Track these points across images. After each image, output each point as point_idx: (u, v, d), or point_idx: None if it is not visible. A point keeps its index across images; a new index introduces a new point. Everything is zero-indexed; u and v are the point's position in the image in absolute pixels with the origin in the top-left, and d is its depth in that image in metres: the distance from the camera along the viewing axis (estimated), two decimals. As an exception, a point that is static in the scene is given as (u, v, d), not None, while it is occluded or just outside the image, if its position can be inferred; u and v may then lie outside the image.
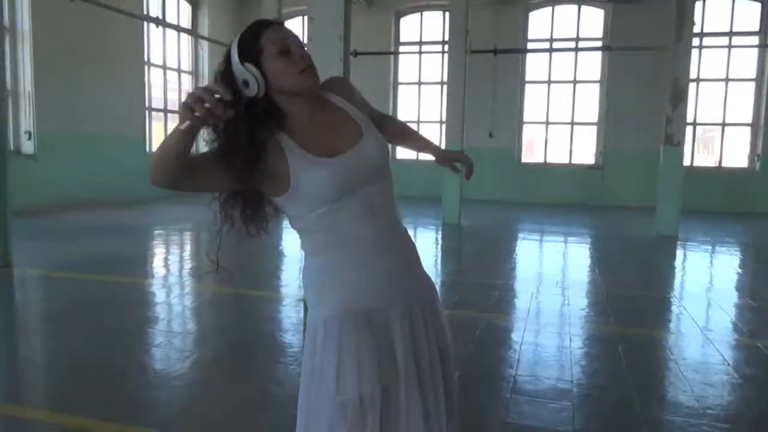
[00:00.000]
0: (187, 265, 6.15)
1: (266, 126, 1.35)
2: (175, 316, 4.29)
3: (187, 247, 7.47)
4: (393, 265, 1.46)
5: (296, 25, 13.42)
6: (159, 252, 6.95)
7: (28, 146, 9.49)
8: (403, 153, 14.60)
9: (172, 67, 13.17)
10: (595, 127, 13.31)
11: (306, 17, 4.34)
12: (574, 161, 13.55)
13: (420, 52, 14.30)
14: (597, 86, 13.20)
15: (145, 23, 11.55)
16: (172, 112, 13.22)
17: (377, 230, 1.43)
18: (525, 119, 13.72)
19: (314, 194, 1.37)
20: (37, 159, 9.46)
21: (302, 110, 1.41)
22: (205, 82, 13.90)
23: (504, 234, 9.15)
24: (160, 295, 4.79)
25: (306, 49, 1.40)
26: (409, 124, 1.81)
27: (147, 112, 12.19)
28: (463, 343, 3.65)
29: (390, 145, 1.58)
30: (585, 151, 13.63)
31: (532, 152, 14.10)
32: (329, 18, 4.19)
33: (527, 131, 13.89)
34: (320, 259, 1.46)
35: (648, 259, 7.27)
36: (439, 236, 8.68)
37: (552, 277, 5.78)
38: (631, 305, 4.78)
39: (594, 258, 7.14)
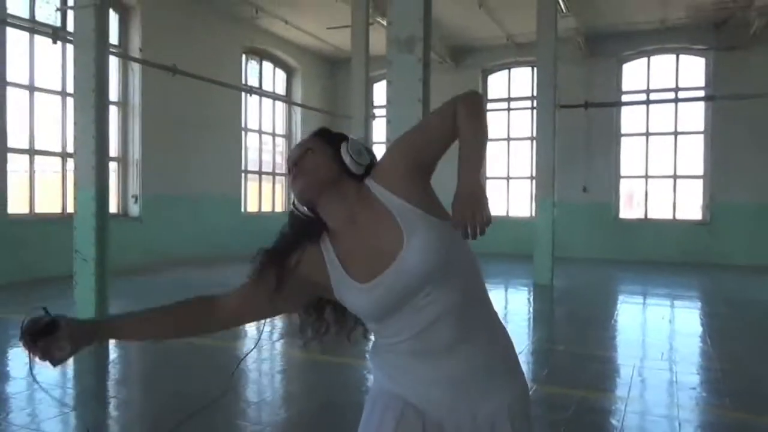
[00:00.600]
0: (278, 326, 6.15)
1: (302, 239, 1.36)
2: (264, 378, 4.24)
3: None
4: (448, 378, 1.30)
5: (381, 88, 13.74)
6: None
7: (134, 209, 10.14)
8: (491, 208, 14.30)
9: (267, 131, 13.81)
10: (700, 180, 12.45)
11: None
12: (678, 216, 12.68)
13: (509, 109, 14.16)
14: (701, 137, 12.41)
15: (243, 92, 12.24)
16: (266, 173, 13.79)
17: (430, 341, 1.28)
18: (622, 173, 13.09)
19: (358, 312, 1.34)
20: (142, 221, 10.06)
21: (336, 215, 1.35)
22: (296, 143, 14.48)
23: (601, 296, 8.57)
24: (249, 359, 4.77)
25: (307, 151, 1.35)
26: (473, 130, 1.34)
27: (243, 174, 12.77)
28: (551, 425, 3.32)
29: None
30: (690, 205, 12.74)
31: (630, 207, 13.37)
32: (407, 81, 4.18)
33: (625, 185, 13.22)
34: (377, 355, 1.40)
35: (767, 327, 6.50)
36: (530, 298, 8.26)
37: (657, 347, 5.26)
38: (752, 385, 4.20)
39: (705, 326, 6.47)
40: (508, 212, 14.16)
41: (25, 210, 8.59)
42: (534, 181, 11.23)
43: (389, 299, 1.26)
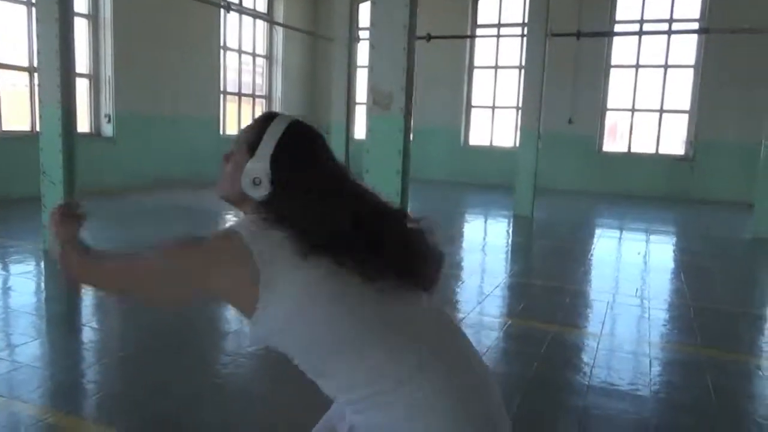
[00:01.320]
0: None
1: None
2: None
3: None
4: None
5: (367, 9, 13.16)
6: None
7: (107, 129, 9.79)
8: (475, 138, 14.19)
9: (247, 51, 13.26)
10: (686, 116, 12.34)
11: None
12: (661, 151, 12.64)
13: (498, 36, 13.70)
14: (690, 71, 12.19)
15: (222, 9, 11.63)
16: (246, 95, 13.36)
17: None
18: (609, 105, 12.91)
19: None
20: (116, 141, 9.74)
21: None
22: (279, 65, 13.96)
23: (580, 229, 8.60)
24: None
25: (230, 156, 1.29)
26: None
27: (221, 95, 12.35)
28: (527, 359, 3.34)
29: None
30: (674, 140, 12.68)
31: (614, 140, 13.28)
32: (393, 3, 3.92)
33: (610, 118, 13.07)
34: None
35: (744, 265, 6.59)
36: (509, 230, 8.27)
37: (631, 283, 5.30)
38: (724, 323, 4.27)
39: (680, 262, 6.55)
40: (491, 142, 14.01)
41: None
42: (519, 111, 11.06)
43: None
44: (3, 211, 7.25)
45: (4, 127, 8.39)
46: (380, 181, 3.95)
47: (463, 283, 5.12)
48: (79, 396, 2.81)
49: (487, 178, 13.13)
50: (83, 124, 9.48)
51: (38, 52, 5.34)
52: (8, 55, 8.50)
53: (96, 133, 9.77)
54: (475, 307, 4.31)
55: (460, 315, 4.09)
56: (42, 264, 5.18)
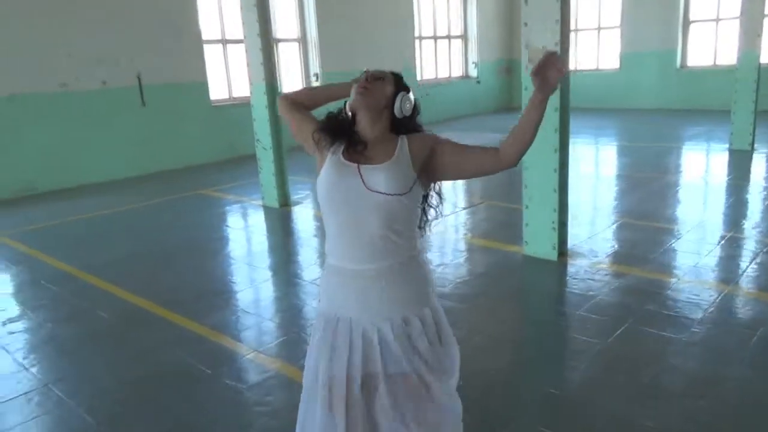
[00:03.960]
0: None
1: (342, 129, 1.75)
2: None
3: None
4: (359, 290, 1.67)
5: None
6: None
7: (316, 87, 10.83)
8: (695, 59, 12.63)
9: (440, -8, 13.33)
10: None
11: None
12: None
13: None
14: None
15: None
16: (441, 37, 13.54)
17: (353, 259, 1.68)
18: None
19: (319, 188, 1.71)
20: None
21: (364, 127, 1.73)
22: (473, 5, 13.77)
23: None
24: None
25: (382, 80, 1.74)
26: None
27: (416, 41, 12.71)
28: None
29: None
30: None
31: None
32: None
33: None
34: (326, 260, 1.78)
35: None
36: (721, 169, 7.42)
37: None
38: None
39: None
40: (714, 61, 12.34)
41: (225, 96, 9.71)
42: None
43: (344, 183, 1.65)
44: (239, 165, 8.63)
45: (234, 94, 9.81)
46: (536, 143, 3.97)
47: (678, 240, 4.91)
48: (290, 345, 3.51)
49: (709, 103, 11.71)
50: (298, 86, 10.63)
51: (244, 36, 6.15)
52: (232, 31, 9.78)
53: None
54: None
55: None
56: (262, 217, 6.18)
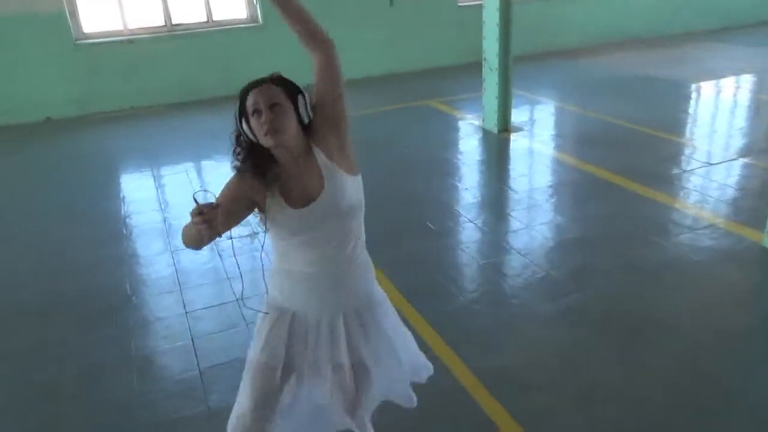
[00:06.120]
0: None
1: (263, 167, 1.64)
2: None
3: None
4: (325, 288, 1.75)
5: None
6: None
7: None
8: None
9: None
10: None
11: None
12: None
13: None
14: None
15: None
16: None
17: (321, 257, 1.71)
18: None
19: (280, 230, 1.68)
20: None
21: (284, 158, 1.64)
22: None
23: None
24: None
25: (274, 106, 1.55)
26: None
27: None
28: None
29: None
30: None
31: None
32: None
33: None
34: (277, 265, 1.81)
35: None
36: None
37: None
38: None
39: None
40: None
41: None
42: None
43: (311, 222, 1.64)
44: (473, 74, 8.36)
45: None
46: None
47: None
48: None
49: None
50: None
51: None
52: None
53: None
54: None
55: None
56: (477, 141, 6.00)
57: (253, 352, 1.82)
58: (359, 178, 1.73)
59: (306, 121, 1.62)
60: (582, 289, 3.34)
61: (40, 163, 6.12)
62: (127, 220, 4.62)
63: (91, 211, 4.84)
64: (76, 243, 4.27)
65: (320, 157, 1.65)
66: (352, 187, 1.68)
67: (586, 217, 4.24)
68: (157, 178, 5.43)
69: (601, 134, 5.94)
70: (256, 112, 1.56)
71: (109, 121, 7.33)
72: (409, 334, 2.03)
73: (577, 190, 4.75)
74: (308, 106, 1.62)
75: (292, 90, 1.60)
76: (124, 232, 4.42)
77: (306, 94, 1.62)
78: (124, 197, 5.10)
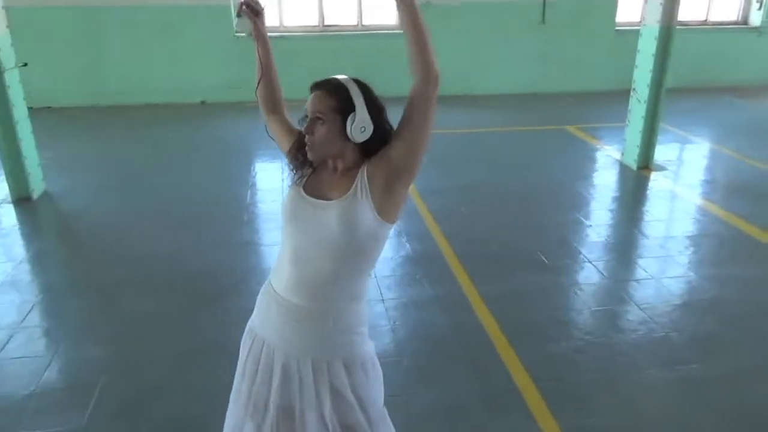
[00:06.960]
0: None
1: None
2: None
3: None
4: (266, 304, 1.62)
5: None
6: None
7: (755, 17, 8.81)
8: None
9: None
10: None
11: None
12: None
13: None
14: None
15: None
16: None
17: (288, 261, 1.55)
18: None
19: (283, 209, 1.59)
20: (762, 32, 8.70)
21: (323, 168, 1.58)
22: None
23: None
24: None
25: (318, 116, 1.47)
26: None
27: None
28: None
29: None
30: None
31: None
32: None
33: None
34: (269, 277, 1.68)
35: None
36: None
37: None
38: None
39: None
40: None
41: (631, 18, 8.71)
42: None
43: (300, 208, 1.54)
44: (620, 103, 7.85)
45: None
46: None
47: None
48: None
49: None
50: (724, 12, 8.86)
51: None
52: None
53: (743, 22, 8.94)
54: None
55: None
56: (614, 177, 5.60)
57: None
58: (386, 226, 1.51)
59: (356, 141, 1.47)
60: (705, 361, 2.97)
61: (188, 142, 6.64)
62: (251, 207, 4.86)
63: (224, 195, 5.13)
64: (202, 222, 4.56)
65: (362, 179, 1.48)
66: (365, 226, 1.47)
67: (725, 279, 3.78)
68: (285, 170, 5.64)
69: (758, 186, 5.31)
70: (306, 117, 1.52)
71: (257, 110, 7.74)
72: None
73: (719, 246, 4.26)
74: (358, 130, 1.45)
75: (345, 104, 1.45)
76: (245, 218, 4.65)
77: (360, 115, 1.44)
78: (253, 184, 5.36)
